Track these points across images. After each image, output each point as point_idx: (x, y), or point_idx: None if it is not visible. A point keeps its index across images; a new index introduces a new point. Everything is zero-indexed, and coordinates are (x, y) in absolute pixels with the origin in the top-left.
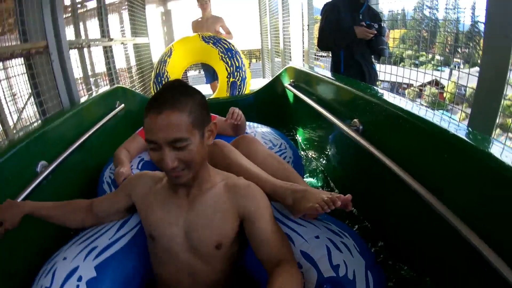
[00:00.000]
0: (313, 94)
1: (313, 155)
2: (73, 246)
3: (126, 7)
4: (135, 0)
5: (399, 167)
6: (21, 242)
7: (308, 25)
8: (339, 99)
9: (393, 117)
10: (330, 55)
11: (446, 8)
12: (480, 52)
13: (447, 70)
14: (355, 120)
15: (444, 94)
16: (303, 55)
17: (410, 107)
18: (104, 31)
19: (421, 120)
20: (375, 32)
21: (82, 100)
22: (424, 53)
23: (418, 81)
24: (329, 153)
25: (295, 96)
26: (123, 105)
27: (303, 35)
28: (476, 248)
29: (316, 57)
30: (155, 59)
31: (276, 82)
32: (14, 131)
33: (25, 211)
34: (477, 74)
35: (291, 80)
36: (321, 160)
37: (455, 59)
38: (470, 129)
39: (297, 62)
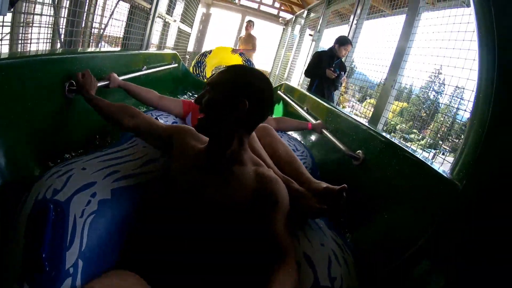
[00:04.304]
0: (292, 98)
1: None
2: (95, 160)
3: None
4: None
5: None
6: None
7: None
8: (304, 102)
9: (324, 109)
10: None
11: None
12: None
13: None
14: (305, 107)
15: None
16: (299, 81)
17: (333, 108)
18: (170, 11)
19: (337, 112)
20: (335, 75)
21: (152, 49)
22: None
23: None
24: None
25: (282, 99)
26: (176, 65)
27: (303, 68)
28: None
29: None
30: (189, 48)
31: (274, 90)
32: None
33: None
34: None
35: (283, 90)
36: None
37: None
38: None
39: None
